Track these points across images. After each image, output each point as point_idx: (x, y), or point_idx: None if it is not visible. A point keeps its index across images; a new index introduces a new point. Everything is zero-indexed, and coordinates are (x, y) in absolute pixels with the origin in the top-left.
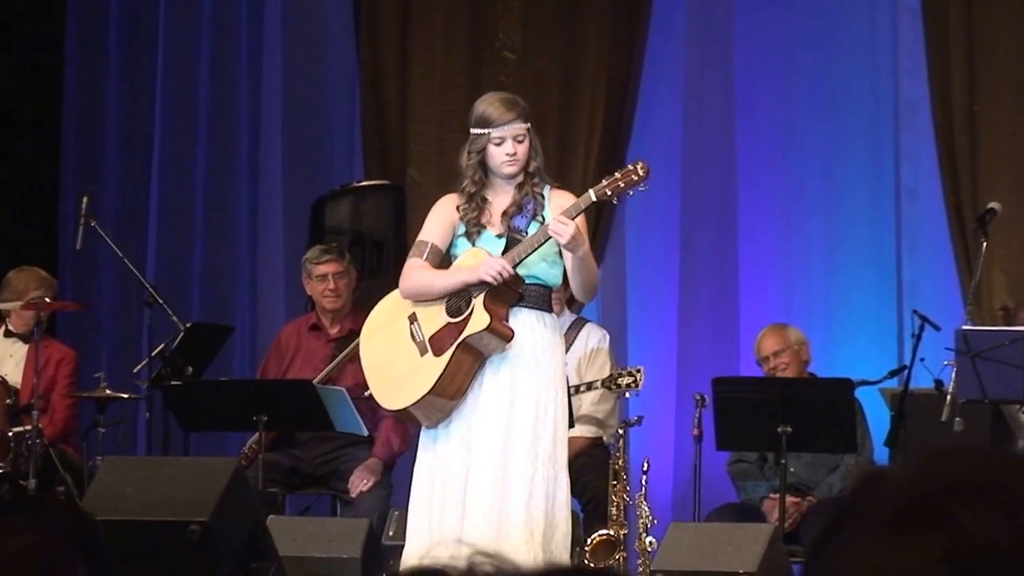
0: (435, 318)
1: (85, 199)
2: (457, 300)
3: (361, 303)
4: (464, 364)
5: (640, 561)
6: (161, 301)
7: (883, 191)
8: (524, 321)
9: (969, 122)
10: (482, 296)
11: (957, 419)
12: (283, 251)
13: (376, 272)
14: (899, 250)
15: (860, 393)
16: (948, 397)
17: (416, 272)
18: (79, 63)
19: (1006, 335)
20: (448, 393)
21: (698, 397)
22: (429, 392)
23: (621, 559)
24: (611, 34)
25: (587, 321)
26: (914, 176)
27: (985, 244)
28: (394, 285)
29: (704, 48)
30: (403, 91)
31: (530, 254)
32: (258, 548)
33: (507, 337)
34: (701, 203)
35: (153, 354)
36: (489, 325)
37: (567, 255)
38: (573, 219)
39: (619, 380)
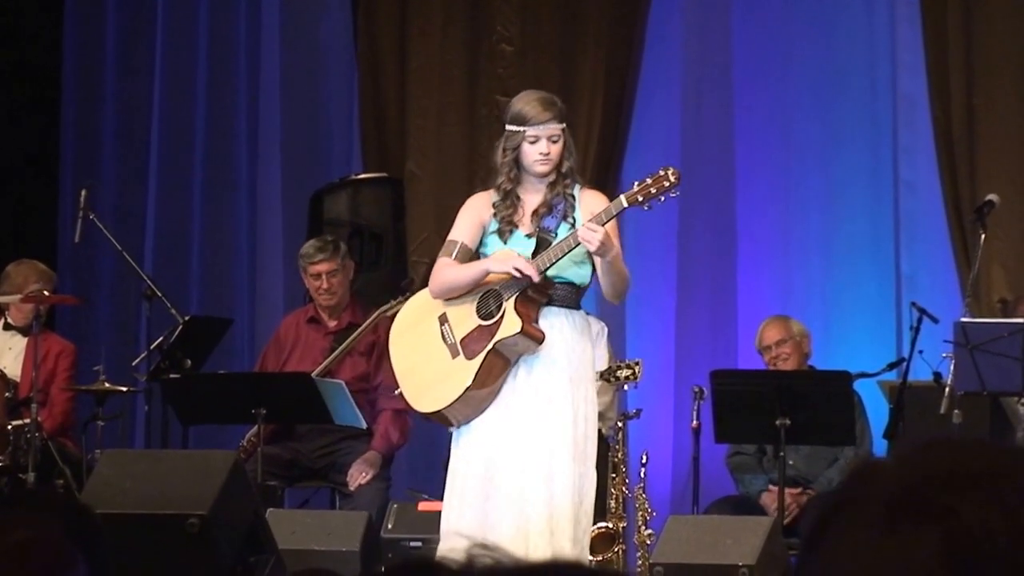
0: (466, 320)
1: (84, 193)
2: (488, 303)
3: (360, 295)
4: (496, 367)
5: (639, 554)
6: (160, 294)
7: (881, 185)
8: (554, 321)
9: (967, 116)
10: (513, 299)
11: (956, 411)
12: (282, 243)
13: (374, 264)
14: (897, 243)
15: (858, 386)
16: (947, 389)
17: (444, 271)
18: (77, 57)
19: (1004, 327)
20: (480, 395)
21: (696, 390)
22: (462, 395)
23: (620, 552)
24: (609, 27)
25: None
26: (912, 170)
27: (983, 237)
28: (392, 277)
29: (702, 42)
30: (401, 84)
31: (559, 259)
32: (257, 541)
33: (538, 340)
34: (699, 197)
35: (152, 347)
36: (522, 329)
37: (597, 259)
38: (603, 225)
39: (618, 373)
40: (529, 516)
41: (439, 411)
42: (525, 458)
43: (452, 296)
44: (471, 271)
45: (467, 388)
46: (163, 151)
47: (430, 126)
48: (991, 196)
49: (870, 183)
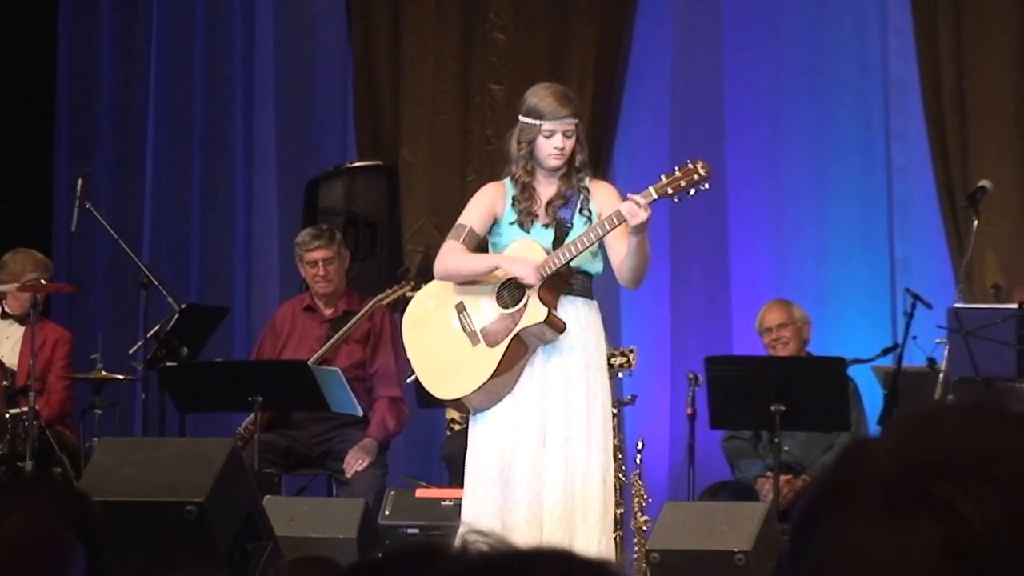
0: (486, 309)
1: (80, 181)
2: (508, 291)
3: (355, 284)
4: (517, 354)
5: (635, 540)
6: (156, 282)
7: (874, 170)
8: (570, 309)
9: (958, 101)
10: (537, 288)
11: (950, 397)
12: (277, 231)
13: (369, 253)
14: (891, 229)
15: (853, 371)
16: (941, 375)
17: (452, 254)
18: (73, 45)
19: (998, 313)
20: (502, 382)
21: (691, 376)
22: (487, 382)
23: (617, 538)
24: (600, 14)
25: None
26: (904, 155)
27: (976, 222)
28: (387, 265)
29: (693, 28)
30: (395, 72)
31: (598, 240)
32: (254, 528)
33: (560, 329)
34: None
35: (148, 335)
36: (547, 317)
37: (623, 240)
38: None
39: (612, 360)
40: (544, 503)
41: (460, 398)
42: (542, 446)
43: (456, 281)
44: (479, 263)
45: (493, 373)
46: (159, 140)
47: (424, 114)
48: (983, 182)
49: (862, 168)
